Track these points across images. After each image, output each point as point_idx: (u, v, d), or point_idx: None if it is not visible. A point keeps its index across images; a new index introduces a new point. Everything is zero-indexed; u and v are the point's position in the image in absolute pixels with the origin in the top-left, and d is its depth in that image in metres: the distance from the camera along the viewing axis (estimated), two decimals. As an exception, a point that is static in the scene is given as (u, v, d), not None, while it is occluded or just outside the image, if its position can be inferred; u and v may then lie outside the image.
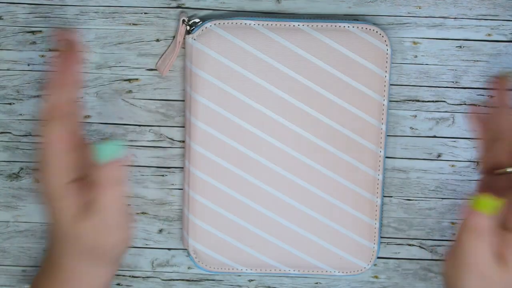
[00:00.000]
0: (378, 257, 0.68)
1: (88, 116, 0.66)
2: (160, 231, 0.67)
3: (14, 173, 0.66)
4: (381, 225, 0.66)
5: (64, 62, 0.58)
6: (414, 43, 0.65)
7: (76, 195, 0.56)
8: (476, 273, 0.56)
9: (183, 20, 0.63)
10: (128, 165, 0.59)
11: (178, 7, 0.65)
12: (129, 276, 0.68)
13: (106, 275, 0.59)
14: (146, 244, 0.67)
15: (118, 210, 0.56)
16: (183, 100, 0.66)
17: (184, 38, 0.64)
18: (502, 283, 0.57)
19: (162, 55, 0.65)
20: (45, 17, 0.65)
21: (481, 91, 0.66)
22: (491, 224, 0.56)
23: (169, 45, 0.65)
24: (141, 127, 0.66)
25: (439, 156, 0.66)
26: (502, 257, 0.57)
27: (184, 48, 0.64)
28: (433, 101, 0.66)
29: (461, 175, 0.67)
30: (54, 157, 0.56)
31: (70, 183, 0.56)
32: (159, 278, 0.68)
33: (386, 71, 0.63)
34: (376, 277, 0.68)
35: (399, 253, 0.68)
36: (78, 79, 0.58)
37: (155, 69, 0.65)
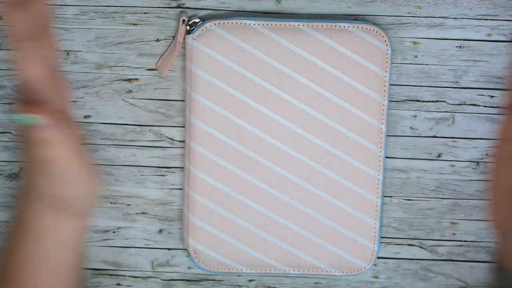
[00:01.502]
0: (378, 257, 0.68)
1: (88, 116, 0.66)
2: (160, 231, 0.67)
3: (14, 173, 0.66)
4: (381, 225, 0.66)
5: None
6: (414, 43, 0.65)
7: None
8: None
9: (183, 20, 0.63)
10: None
11: (178, 7, 0.65)
12: (129, 276, 0.68)
13: (73, 230, 0.56)
14: (146, 244, 0.67)
15: (70, 164, 0.53)
16: (183, 100, 0.66)
17: (184, 38, 0.64)
18: None
19: (162, 55, 0.65)
20: (45, 17, 0.64)
21: (481, 91, 0.66)
22: None
23: (169, 45, 0.65)
24: (141, 127, 0.66)
25: (439, 156, 0.66)
26: None
27: (184, 48, 0.64)
28: (433, 101, 0.66)
29: (461, 175, 0.67)
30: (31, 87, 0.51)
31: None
32: (159, 278, 0.68)
33: (386, 71, 0.63)
34: (376, 277, 0.68)
35: (399, 253, 0.68)
36: None
37: (155, 69, 0.65)
